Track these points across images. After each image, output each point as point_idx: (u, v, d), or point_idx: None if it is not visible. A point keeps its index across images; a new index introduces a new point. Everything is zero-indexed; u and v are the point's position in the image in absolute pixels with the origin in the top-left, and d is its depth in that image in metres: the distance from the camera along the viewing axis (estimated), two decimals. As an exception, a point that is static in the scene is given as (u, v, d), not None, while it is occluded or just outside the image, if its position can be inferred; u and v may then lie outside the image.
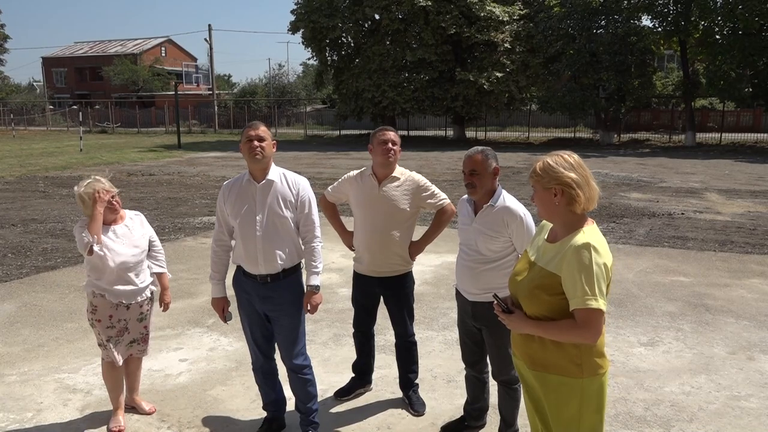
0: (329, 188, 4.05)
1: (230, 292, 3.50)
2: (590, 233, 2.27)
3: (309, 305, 3.38)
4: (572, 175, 2.29)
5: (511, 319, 2.35)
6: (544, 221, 2.52)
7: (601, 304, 2.18)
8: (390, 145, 3.68)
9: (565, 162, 2.32)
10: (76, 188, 3.58)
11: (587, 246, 2.21)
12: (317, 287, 3.36)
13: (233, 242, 3.43)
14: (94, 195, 3.48)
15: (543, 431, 2.47)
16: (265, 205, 3.27)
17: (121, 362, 3.64)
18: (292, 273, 3.37)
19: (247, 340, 3.56)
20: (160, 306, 3.86)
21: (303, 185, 3.36)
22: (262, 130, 3.25)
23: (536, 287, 2.30)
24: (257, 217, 3.26)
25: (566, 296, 2.24)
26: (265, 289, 3.32)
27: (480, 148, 3.28)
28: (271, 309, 3.36)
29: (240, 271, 3.41)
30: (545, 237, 2.44)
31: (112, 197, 3.55)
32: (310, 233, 3.36)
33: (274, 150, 3.32)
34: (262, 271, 3.30)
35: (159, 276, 3.83)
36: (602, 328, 2.22)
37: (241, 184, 3.34)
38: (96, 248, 3.44)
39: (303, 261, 3.43)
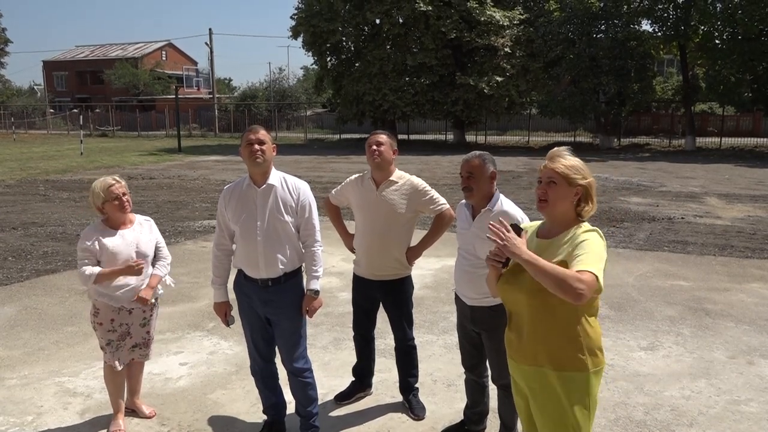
0: (333, 191, 4.08)
1: (231, 296, 3.50)
2: (591, 226, 2.39)
3: (308, 310, 3.39)
4: (592, 179, 2.40)
5: (517, 242, 2.25)
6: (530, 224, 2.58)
7: (600, 274, 2.21)
8: (374, 146, 3.70)
9: (585, 169, 2.41)
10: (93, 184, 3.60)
11: (595, 232, 2.34)
12: (317, 292, 3.37)
13: (234, 246, 3.44)
14: (108, 190, 3.51)
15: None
16: (266, 209, 3.27)
17: (120, 367, 3.63)
18: (293, 277, 3.37)
19: (247, 344, 3.56)
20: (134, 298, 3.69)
21: (303, 189, 3.37)
22: (262, 133, 3.26)
23: None
24: (258, 222, 3.27)
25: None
26: (266, 292, 3.33)
27: (478, 152, 3.30)
28: (272, 312, 3.37)
29: (241, 275, 3.42)
30: (536, 234, 2.48)
31: (123, 194, 3.55)
32: (311, 237, 3.37)
33: (275, 154, 3.33)
34: (263, 275, 3.31)
35: (153, 275, 3.71)
36: (590, 292, 2.16)
37: (242, 189, 3.35)
38: (94, 292, 3.54)
39: (304, 265, 3.44)
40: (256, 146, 3.21)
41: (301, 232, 3.37)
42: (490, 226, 2.31)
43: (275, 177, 3.33)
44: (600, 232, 2.36)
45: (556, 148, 2.45)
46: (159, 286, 3.75)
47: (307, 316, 3.43)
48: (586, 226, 2.38)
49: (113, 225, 3.58)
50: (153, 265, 3.74)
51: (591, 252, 2.24)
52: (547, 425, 2.44)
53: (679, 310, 5.83)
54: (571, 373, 2.35)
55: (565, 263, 2.26)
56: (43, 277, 7.10)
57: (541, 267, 2.19)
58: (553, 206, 2.38)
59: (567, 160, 2.38)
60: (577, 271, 2.17)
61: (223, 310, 3.50)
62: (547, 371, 2.37)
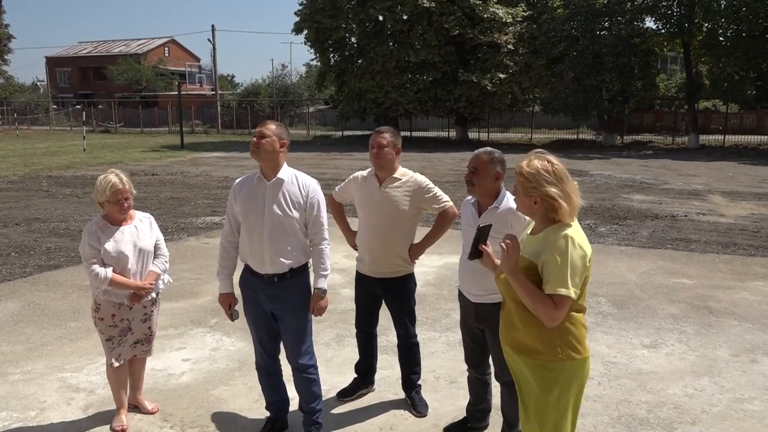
0: (336, 188, 4.07)
1: (237, 292, 3.50)
2: (569, 227, 2.38)
3: (315, 309, 3.40)
4: (554, 190, 2.36)
5: (508, 256, 2.37)
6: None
7: (570, 292, 2.29)
8: (377, 149, 3.71)
9: (550, 174, 2.38)
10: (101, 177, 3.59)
11: (566, 237, 2.32)
12: (324, 291, 3.38)
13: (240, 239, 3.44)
14: (113, 193, 3.50)
15: (523, 414, 2.55)
16: (274, 203, 3.28)
17: (117, 364, 3.63)
18: (300, 273, 3.37)
19: (252, 340, 3.56)
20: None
21: (313, 187, 3.38)
22: (268, 128, 3.32)
23: None
24: (264, 215, 3.27)
25: (542, 280, 2.36)
26: (271, 288, 3.33)
27: (489, 149, 3.27)
28: (277, 308, 3.37)
29: (247, 270, 3.42)
30: (529, 232, 2.56)
31: (126, 199, 3.55)
32: (318, 235, 3.37)
33: (283, 150, 3.34)
34: (268, 270, 3.31)
35: (150, 271, 3.68)
36: (563, 314, 2.33)
37: (252, 182, 3.37)
38: (100, 291, 3.53)
39: (310, 261, 3.44)
40: (255, 138, 3.28)
41: (309, 229, 3.37)
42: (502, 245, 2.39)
43: (286, 172, 3.35)
44: (573, 234, 2.33)
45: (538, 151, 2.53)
46: (159, 282, 3.75)
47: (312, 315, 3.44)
48: (562, 228, 2.35)
49: (113, 221, 3.59)
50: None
51: (558, 266, 2.29)
52: (524, 410, 2.54)
53: (682, 308, 5.82)
54: (542, 362, 2.41)
55: (532, 263, 2.37)
56: (46, 272, 7.11)
57: (523, 286, 2.33)
58: (521, 210, 2.53)
59: (527, 167, 2.44)
60: (551, 295, 2.29)
61: (227, 302, 3.49)
62: (522, 358, 2.47)
